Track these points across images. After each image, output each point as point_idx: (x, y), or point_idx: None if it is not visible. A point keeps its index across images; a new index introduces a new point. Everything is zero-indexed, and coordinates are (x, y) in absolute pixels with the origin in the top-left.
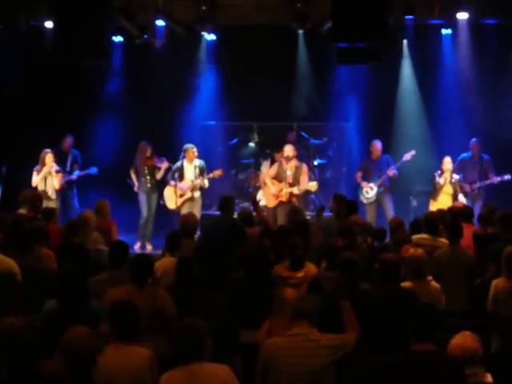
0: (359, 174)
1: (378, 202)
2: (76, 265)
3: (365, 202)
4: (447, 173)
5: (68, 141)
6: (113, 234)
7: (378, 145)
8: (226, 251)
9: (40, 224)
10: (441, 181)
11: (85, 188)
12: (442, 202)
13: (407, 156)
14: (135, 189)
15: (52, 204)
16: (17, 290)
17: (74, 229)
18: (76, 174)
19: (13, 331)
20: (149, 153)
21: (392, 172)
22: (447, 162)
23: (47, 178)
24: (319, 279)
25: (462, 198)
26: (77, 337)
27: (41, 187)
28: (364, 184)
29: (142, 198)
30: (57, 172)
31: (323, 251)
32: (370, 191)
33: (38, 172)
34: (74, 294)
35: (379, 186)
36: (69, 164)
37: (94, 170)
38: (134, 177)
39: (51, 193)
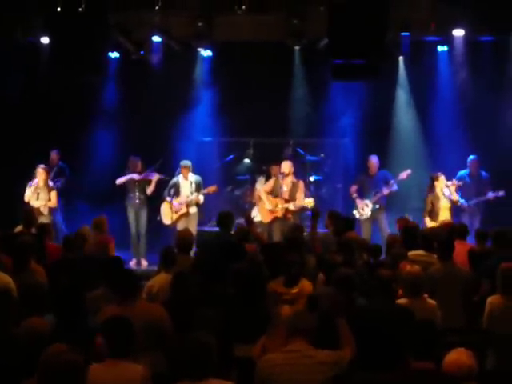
0: (354, 188)
1: (372, 218)
2: (72, 280)
3: (360, 218)
4: (438, 189)
5: (53, 155)
6: (110, 250)
7: (374, 160)
8: (222, 267)
9: (29, 238)
10: (429, 202)
11: (76, 202)
12: (443, 218)
13: (403, 175)
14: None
15: (43, 220)
16: (13, 306)
17: (69, 244)
18: (55, 184)
19: (37, 332)
20: (139, 167)
21: (388, 191)
22: (442, 180)
23: (39, 193)
24: (318, 296)
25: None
26: (54, 355)
27: (33, 203)
28: (359, 201)
29: (131, 215)
30: (50, 189)
31: (322, 265)
32: (365, 208)
33: (31, 187)
34: (72, 310)
35: (374, 203)
36: (51, 176)
37: (56, 184)
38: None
39: (42, 209)
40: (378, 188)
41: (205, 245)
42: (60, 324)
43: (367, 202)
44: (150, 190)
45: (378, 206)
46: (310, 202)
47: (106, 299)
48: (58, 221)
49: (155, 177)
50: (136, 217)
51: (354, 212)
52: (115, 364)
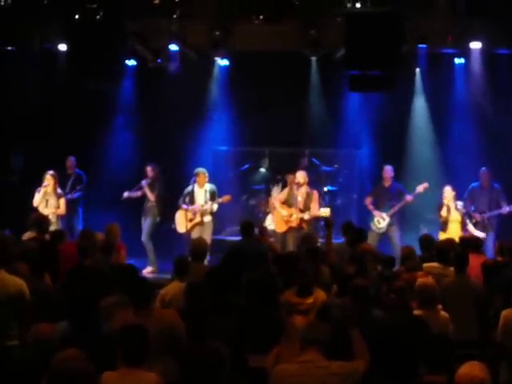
0: (369, 201)
1: (386, 231)
2: (87, 287)
3: (376, 231)
4: (450, 201)
5: (69, 161)
6: (121, 257)
7: (389, 170)
8: (236, 276)
9: (45, 246)
10: (443, 213)
11: (94, 210)
12: (453, 230)
13: (420, 188)
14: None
15: (52, 227)
16: (26, 310)
17: (84, 250)
18: (74, 194)
19: (47, 338)
20: (151, 174)
21: (410, 198)
22: (447, 191)
23: (48, 200)
24: (329, 306)
25: (471, 228)
26: (64, 361)
27: (42, 210)
28: (376, 213)
29: (142, 221)
30: (59, 196)
31: (335, 276)
32: (381, 221)
33: (40, 193)
34: (86, 317)
35: (391, 216)
36: (69, 185)
37: (76, 195)
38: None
39: (51, 216)
40: (393, 200)
41: (236, 253)
42: (72, 331)
43: (384, 215)
44: (150, 197)
45: (395, 219)
46: (325, 212)
47: (120, 306)
48: (78, 228)
49: (143, 184)
50: (144, 224)
51: (371, 224)
52: (129, 372)
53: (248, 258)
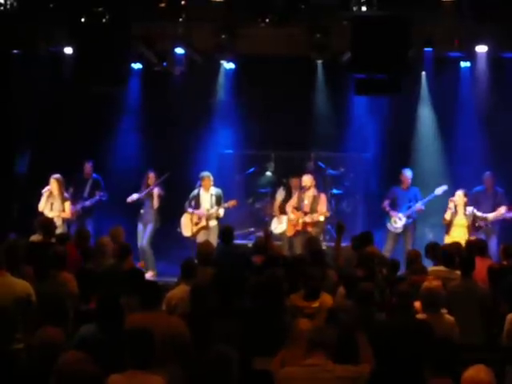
0: (386, 203)
1: (402, 232)
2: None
3: (392, 230)
4: (459, 206)
5: (87, 166)
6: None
7: (408, 174)
8: (241, 280)
9: (58, 249)
10: (446, 216)
11: (100, 214)
12: (457, 235)
13: (438, 191)
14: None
15: (57, 230)
16: (31, 313)
17: (88, 254)
18: (90, 201)
19: (53, 341)
20: (151, 180)
21: (420, 208)
22: (458, 195)
23: (53, 204)
24: (338, 310)
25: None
26: (69, 364)
27: (46, 212)
28: (393, 213)
29: (139, 227)
30: (65, 199)
31: (344, 279)
32: (398, 221)
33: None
34: (115, 319)
35: (408, 217)
36: (87, 190)
37: (103, 197)
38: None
39: (56, 219)
40: (411, 203)
41: (222, 258)
42: (101, 333)
43: (400, 215)
44: (154, 204)
45: (411, 220)
46: (322, 215)
47: (128, 309)
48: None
49: (155, 191)
50: (144, 230)
51: (388, 225)
52: (136, 375)
53: (234, 262)
